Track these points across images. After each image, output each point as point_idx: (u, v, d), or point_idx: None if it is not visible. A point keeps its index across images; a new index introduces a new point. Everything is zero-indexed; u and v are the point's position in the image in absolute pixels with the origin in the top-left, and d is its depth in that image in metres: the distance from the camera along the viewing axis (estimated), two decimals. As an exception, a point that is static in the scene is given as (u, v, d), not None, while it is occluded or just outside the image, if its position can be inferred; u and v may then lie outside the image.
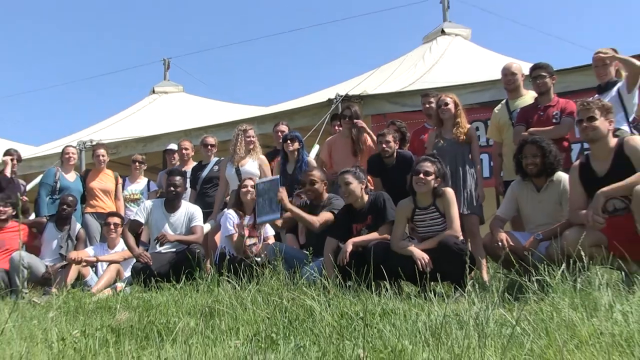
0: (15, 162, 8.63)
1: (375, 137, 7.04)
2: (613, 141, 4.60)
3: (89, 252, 7.49)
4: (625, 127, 5.64)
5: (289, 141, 7.19)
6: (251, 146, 7.55)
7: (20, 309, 5.11)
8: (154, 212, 7.01)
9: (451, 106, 6.40)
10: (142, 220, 7.02)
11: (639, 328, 2.71)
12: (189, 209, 7.09)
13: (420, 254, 5.02)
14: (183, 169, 8.17)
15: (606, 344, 2.45)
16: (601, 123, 4.62)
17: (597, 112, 4.63)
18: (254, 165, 7.46)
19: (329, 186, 6.75)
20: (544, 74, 6.13)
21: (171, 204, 7.03)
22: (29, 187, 9.09)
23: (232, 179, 7.40)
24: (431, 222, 5.34)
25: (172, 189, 6.99)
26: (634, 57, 5.90)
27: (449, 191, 5.36)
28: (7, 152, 8.69)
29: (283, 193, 5.93)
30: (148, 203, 7.28)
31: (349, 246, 5.34)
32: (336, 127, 7.92)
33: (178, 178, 7.10)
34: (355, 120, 7.10)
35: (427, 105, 7.11)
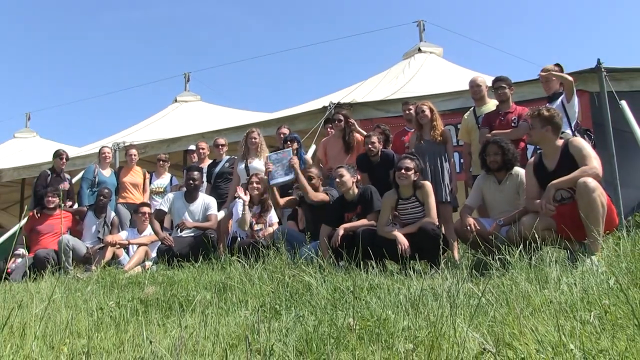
0: (64, 160, 8.61)
1: (365, 133, 7.07)
2: (560, 142, 4.62)
3: (122, 236, 7.51)
4: (567, 131, 5.68)
5: (289, 142, 7.20)
6: (254, 146, 7.54)
7: (66, 283, 5.11)
8: (175, 202, 7.02)
9: (427, 112, 6.40)
10: (166, 209, 7.02)
11: (581, 297, 2.71)
12: (205, 200, 7.09)
13: (402, 239, 5.03)
14: (200, 166, 8.17)
15: (555, 311, 2.45)
16: (535, 132, 4.70)
17: (532, 122, 4.74)
18: (261, 162, 7.45)
19: (325, 179, 6.79)
20: (504, 85, 6.17)
21: (190, 195, 7.02)
22: (73, 180, 9.05)
23: (242, 174, 7.38)
24: (412, 211, 5.34)
25: (191, 182, 7.01)
26: (570, 73, 5.97)
27: (427, 184, 5.38)
28: (57, 153, 8.67)
29: (295, 160, 6.06)
30: (170, 195, 7.31)
31: (341, 231, 5.34)
32: (329, 130, 7.91)
33: (196, 173, 7.13)
34: (350, 121, 7.15)
35: (407, 112, 7.12)
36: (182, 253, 6.30)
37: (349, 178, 5.70)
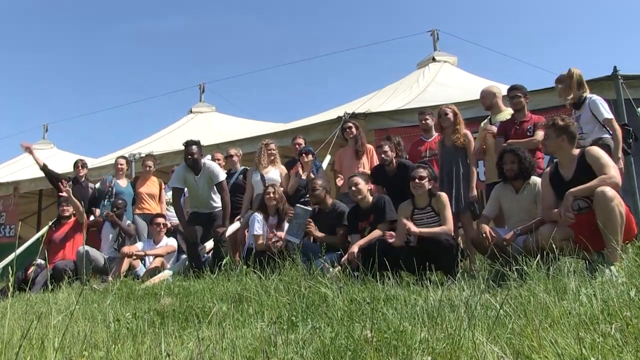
0: (85, 170, 8.83)
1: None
2: (576, 151, 4.59)
3: (138, 247, 7.54)
4: (606, 135, 5.64)
5: (304, 154, 7.31)
6: (272, 157, 7.59)
7: (83, 294, 5.15)
8: (187, 176, 7.13)
9: (450, 115, 6.33)
10: (183, 186, 7.23)
11: (601, 308, 2.68)
12: (208, 167, 7.16)
13: (411, 225, 5.11)
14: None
15: (574, 323, 2.42)
16: (551, 142, 4.67)
17: (547, 132, 4.73)
18: (276, 173, 7.50)
19: (341, 196, 6.85)
20: (519, 94, 6.12)
21: (194, 169, 7.08)
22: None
23: (257, 185, 7.41)
24: (428, 221, 5.33)
25: (189, 157, 7.05)
26: (587, 81, 5.92)
27: (443, 195, 5.40)
28: (76, 163, 8.81)
29: (311, 226, 6.04)
30: (178, 170, 7.35)
31: (355, 248, 5.34)
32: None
33: (194, 147, 7.13)
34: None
35: (424, 122, 7.02)
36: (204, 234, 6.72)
37: (363, 185, 5.75)
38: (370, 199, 5.81)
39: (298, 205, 6.36)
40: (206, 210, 7.20)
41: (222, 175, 7.17)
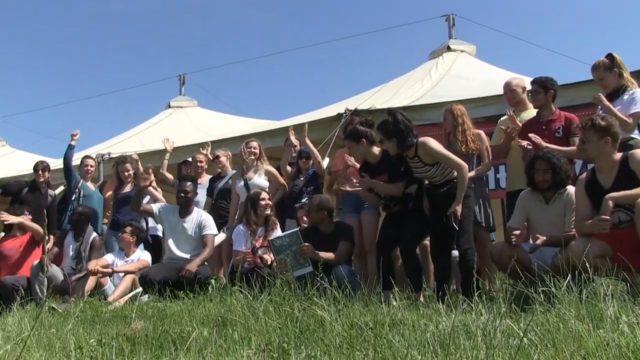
0: (45, 173, 8.62)
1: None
2: (617, 155, 4.55)
3: (107, 260, 7.41)
4: (637, 136, 5.54)
5: (304, 159, 7.47)
6: (252, 157, 7.59)
7: (39, 317, 5.11)
8: (167, 215, 7.02)
9: (450, 118, 6.21)
10: (155, 210, 7.08)
11: (646, 340, 2.66)
12: (201, 216, 7.07)
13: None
14: (199, 181, 8.17)
15: (613, 356, 2.41)
16: (592, 145, 4.61)
17: (586, 135, 4.65)
18: (260, 179, 7.47)
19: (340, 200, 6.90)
20: (539, 89, 6.01)
21: (184, 210, 7.03)
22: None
23: (242, 192, 7.39)
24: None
25: (182, 194, 7.00)
26: (632, 72, 5.82)
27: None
28: (35, 165, 8.71)
29: (307, 249, 5.90)
30: (164, 205, 7.31)
31: None
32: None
33: (189, 184, 7.10)
34: None
35: None
36: (171, 279, 6.28)
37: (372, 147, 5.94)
38: (377, 151, 5.98)
39: (271, 239, 6.20)
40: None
41: (214, 228, 7.10)
